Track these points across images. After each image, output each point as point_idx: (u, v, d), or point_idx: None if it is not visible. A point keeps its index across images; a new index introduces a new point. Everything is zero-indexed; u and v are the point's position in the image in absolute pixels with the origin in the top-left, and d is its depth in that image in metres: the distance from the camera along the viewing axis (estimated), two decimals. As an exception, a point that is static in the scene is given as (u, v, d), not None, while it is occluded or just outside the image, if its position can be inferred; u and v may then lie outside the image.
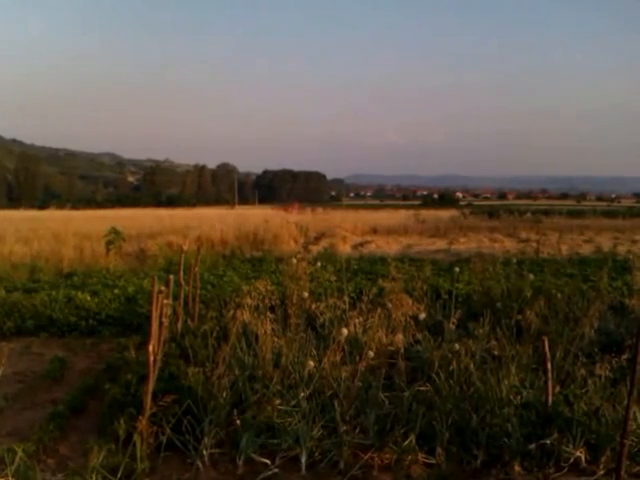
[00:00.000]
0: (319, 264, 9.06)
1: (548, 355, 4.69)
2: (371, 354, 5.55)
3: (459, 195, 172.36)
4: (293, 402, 5.19)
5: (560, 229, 30.08)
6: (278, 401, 5.13)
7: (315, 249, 19.30)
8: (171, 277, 6.40)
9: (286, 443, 4.79)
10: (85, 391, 6.27)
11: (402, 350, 6.26)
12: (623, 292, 9.59)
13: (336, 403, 5.11)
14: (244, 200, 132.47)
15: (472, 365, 5.64)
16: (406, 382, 5.92)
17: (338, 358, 5.73)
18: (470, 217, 44.49)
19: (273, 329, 6.44)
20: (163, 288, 5.17)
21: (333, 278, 8.27)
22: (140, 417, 4.67)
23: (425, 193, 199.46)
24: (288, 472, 4.64)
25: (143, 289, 10.93)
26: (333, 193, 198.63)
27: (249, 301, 6.80)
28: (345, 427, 4.90)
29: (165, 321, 5.19)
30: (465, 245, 24.08)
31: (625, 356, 5.39)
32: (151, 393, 4.77)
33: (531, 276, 9.07)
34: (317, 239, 24.65)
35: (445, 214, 47.33)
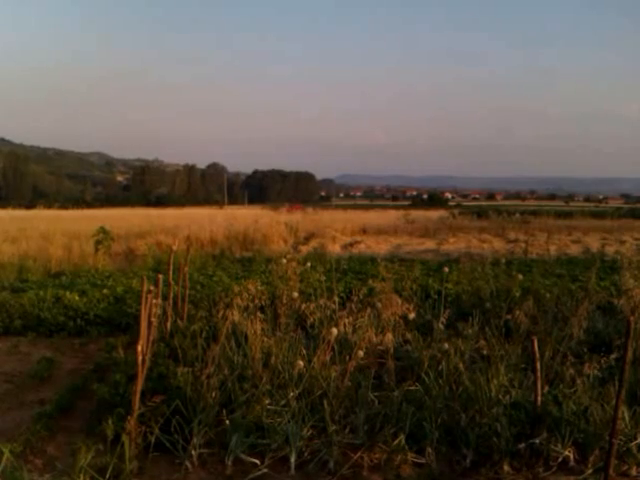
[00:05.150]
0: (309, 264, 9.04)
1: (537, 355, 4.70)
2: (361, 354, 5.54)
3: (448, 195, 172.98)
4: (282, 402, 5.18)
5: (548, 230, 30.27)
6: (267, 401, 5.12)
7: (305, 249, 19.29)
8: (160, 277, 6.37)
9: (275, 443, 4.79)
10: (73, 391, 6.23)
11: (392, 350, 6.27)
12: (611, 292, 9.63)
13: (326, 403, 5.10)
14: (233, 200, 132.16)
15: (461, 365, 5.65)
16: (395, 382, 5.93)
17: (328, 358, 5.73)
18: (459, 217, 44.68)
19: (263, 329, 6.42)
20: (152, 288, 5.14)
21: (323, 278, 8.27)
22: (129, 417, 4.64)
23: (414, 193, 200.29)
24: (277, 472, 4.62)
25: (132, 289, 10.87)
26: (323, 193, 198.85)
27: (239, 301, 6.79)
28: (335, 427, 4.89)
29: (154, 321, 5.16)
30: (454, 245, 24.16)
31: (614, 356, 5.43)
32: (140, 393, 4.74)
33: (520, 276, 9.10)
34: (307, 239, 24.64)
35: (434, 214, 47.55)
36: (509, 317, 7.35)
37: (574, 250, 21.59)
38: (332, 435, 4.83)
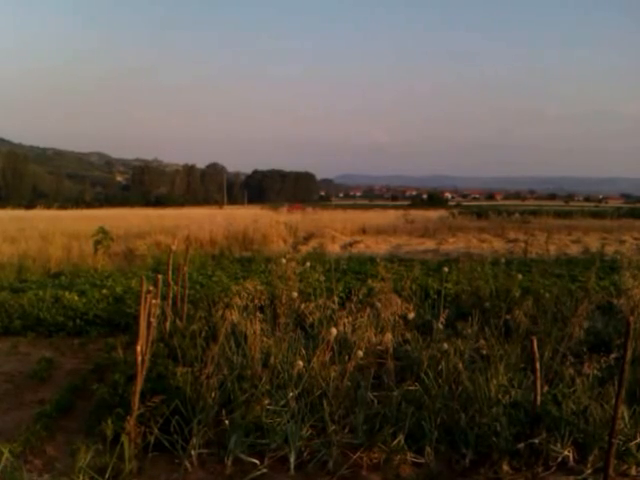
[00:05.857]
0: (308, 264, 9.04)
1: (537, 355, 4.70)
2: (360, 354, 5.54)
3: (448, 195, 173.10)
4: (282, 402, 5.18)
5: (548, 229, 30.22)
6: (267, 401, 5.12)
7: (304, 249, 19.28)
8: (159, 277, 6.36)
9: (275, 443, 4.78)
10: (72, 391, 6.23)
11: (391, 350, 6.27)
12: (611, 292, 9.62)
13: (325, 403, 5.10)
14: (233, 200, 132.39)
15: (461, 364, 5.65)
16: (395, 382, 5.93)
17: (327, 358, 5.72)
18: (459, 217, 44.64)
19: (262, 329, 6.42)
20: (151, 288, 5.14)
21: (322, 278, 8.27)
22: (128, 417, 4.64)
23: (414, 193, 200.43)
24: (277, 472, 4.62)
25: (131, 289, 10.86)
26: (322, 193, 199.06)
27: (238, 301, 6.79)
28: (334, 427, 4.89)
29: (153, 321, 5.15)
30: (454, 245, 24.15)
31: (613, 355, 5.42)
32: (139, 393, 4.74)
33: (519, 276, 9.10)
34: (306, 239, 24.61)
35: (434, 214, 47.53)
36: (508, 317, 7.34)
37: (574, 250, 21.58)
38: (331, 435, 4.83)
